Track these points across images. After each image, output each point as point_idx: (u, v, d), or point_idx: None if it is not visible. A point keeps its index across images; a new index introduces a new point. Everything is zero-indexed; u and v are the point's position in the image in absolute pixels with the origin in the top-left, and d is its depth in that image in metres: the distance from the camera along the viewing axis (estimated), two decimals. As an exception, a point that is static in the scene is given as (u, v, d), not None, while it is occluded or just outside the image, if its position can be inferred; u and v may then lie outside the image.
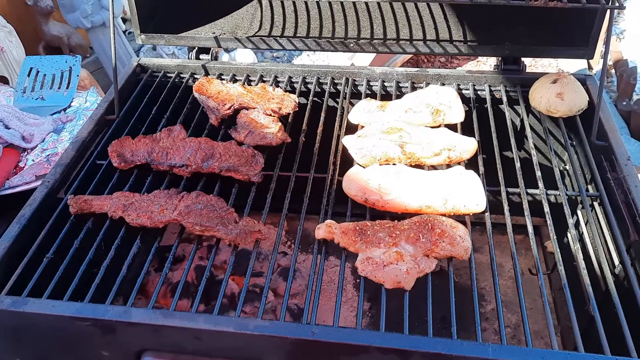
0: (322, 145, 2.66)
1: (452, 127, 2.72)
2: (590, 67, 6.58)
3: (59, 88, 3.40)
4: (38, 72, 3.41)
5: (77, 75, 3.52)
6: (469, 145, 2.51)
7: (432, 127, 2.67)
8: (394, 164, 2.49)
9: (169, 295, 3.11)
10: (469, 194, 2.26)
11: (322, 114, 2.83)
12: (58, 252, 2.21)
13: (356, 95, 3.09)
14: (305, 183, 2.46)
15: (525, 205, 2.31)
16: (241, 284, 3.18)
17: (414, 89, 3.04)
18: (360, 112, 2.75)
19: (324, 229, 2.19)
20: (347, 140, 2.57)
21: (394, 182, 2.32)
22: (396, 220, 2.22)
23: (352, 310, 3.17)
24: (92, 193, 2.46)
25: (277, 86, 3.09)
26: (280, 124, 2.66)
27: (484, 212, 2.28)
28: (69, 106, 3.38)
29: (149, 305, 1.97)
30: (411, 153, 2.48)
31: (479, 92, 3.01)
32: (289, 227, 3.75)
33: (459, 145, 2.50)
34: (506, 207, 2.30)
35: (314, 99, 2.98)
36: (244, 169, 2.47)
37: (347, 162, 2.55)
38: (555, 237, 2.18)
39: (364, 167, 2.45)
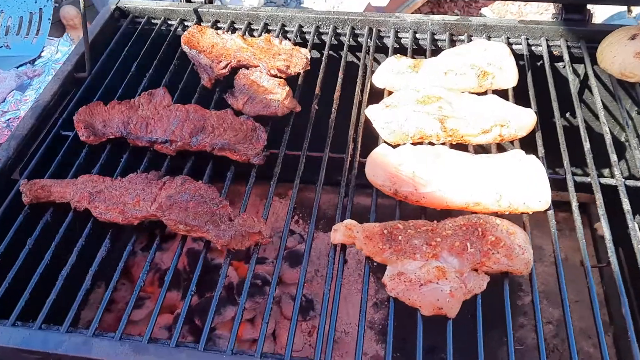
0: (339, 115, 2.15)
1: (501, 94, 2.19)
2: (629, 11, 5.87)
3: (27, 34, 2.86)
4: (2, 13, 2.85)
5: (49, 19, 2.97)
6: (526, 120, 1.98)
7: (477, 94, 2.14)
8: (430, 143, 1.98)
9: (157, 284, 2.67)
10: (529, 187, 1.76)
11: (340, 75, 2.29)
12: (5, 254, 1.75)
13: (381, 50, 2.54)
14: (317, 164, 1.96)
15: (599, 202, 1.81)
16: (241, 270, 2.74)
17: (452, 43, 2.48)
18: (388, 72, 2.21)
19: (342, 232, 1.71)
20: (372, 111, 2.05)
21: (433, 169, 1.82)
22: (435, 222, 1.73)
23: (374, 340, 2.68)
24: (54, 175, 1.98)
25: (285, 38, 2.54)
26: (287, 88, 2.13)
27: (546, 211, 1.78)
28: (39, 56, 2.85)
29: (117, 333, 1.53)
30: (453, 130, 1.96)
31: (533, 48, 2.44)
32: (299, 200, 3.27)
33: (513, 119, 1.97)
34: (575, 205, 1.80)
35: (330, 52, 2.43)
36: (242, 146, 1.97)
37: (372, 138, 2.04)
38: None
39: (392, 147, 1.94)
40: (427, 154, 1.87)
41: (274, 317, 2.64)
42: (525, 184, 1.76)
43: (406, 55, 2.38)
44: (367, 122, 2.07)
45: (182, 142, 1.99)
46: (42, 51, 2.88)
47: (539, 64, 2.42)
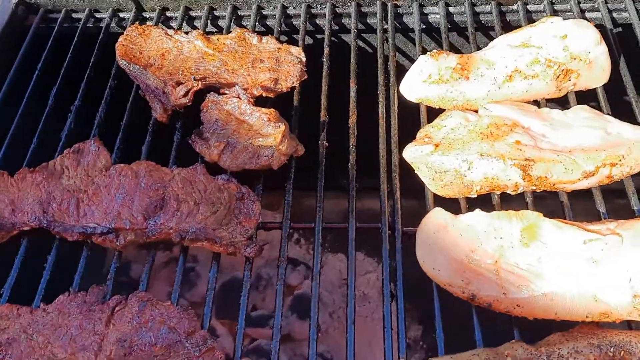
0: (360, 152, 1.46)
1: (584, 97, 1.53)
2: None
3: None
4: None
5: None
6: (646, 150, 1.33)
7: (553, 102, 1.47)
8: (500, 193, 1.33)
9: None
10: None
11: (352, 85, 1.59)
12: None
13: (403, 31, 1.82)
14: (343, 237, 1.32)
15: None
16: (233, 330, 2.12)
17: (502, 16, 1.76)
18: (421, 80, 1.51)
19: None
20: (414, 155, 1.37)
21: (531, 256, 1.17)
22: (542, 348, 1.10)
23: None
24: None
25: (266, 31, 1.79)
26: (282, 125, 1.42)
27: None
28: None
29: None
30: (541, 178, 1.30)
31: (615, 15, 1.74)
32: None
33: (631, 150, 1.31)
34: None
35: (332, 44, 1.70)
36: (226, 231, 1.30)
37: (412, 182, 1.38)
38: None
39: (449, 207, 1.29)
40: (513, 226, 1.22)
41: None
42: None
43: (440, 42, 1.67)
44: (403, 161, 1.40)
45: (133, 230, 1.31)
46: None
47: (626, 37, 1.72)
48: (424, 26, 1.79)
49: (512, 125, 1.36)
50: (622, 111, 1.50)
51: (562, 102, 1.58)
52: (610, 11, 1.73)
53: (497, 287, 1.17)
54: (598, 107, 1.52)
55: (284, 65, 1.60)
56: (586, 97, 1.57)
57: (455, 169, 1.31)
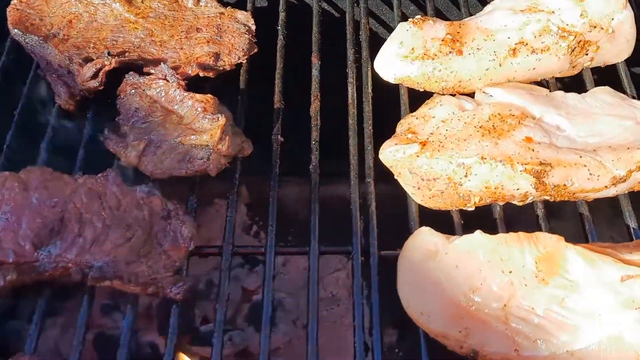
0: (324, 149, 1.14)
1: (604, 73, 1.23)
2: None
3: None
4: None
5: None
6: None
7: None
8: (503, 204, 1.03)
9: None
10: None
11: (315, 61, 1.25)
12: None
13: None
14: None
15: None
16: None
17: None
18: (401, 55, 1.18)
19: None
20: (392, 158, 1.05)
21: (549, 296, 0.88)
22: None
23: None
24: None
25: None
26: (221, 118, 1.07)
27: None
28: None
29: None
30: (558, 187, 1.00)
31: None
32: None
33: (668, 149, 1.02)
34: None
35: (290, 1, 1.36)
36: (144, 265, 0.97)
37: (391, 189, 1.07)
38: None
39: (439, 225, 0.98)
40: (526, 254, 0.92)
41: None
42: None
43: (423, 6, 1.34)
44: (379, 161, 1.09)
45: (18, 265, 0.97)
46: None
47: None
48: (404, -16, 1.45)
49: (520, 115, 1.05)
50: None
51: (574, 82, 1.27)
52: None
53: (506, 340, 0.88)
54: (620, 88, 1.22)
55: (228, 36, 1.26)
56: (602, 75, 1.27)
57: (449, 176, 1.00)
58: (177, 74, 1.16)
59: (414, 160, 1.02)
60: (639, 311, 0.86)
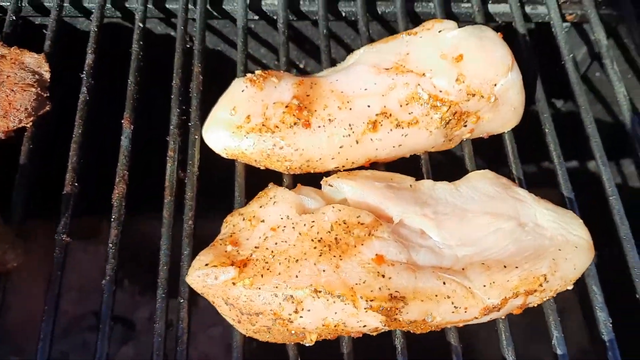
0: (130, 250, 0.86)
1: (480, 145, 1.03)
2: None
3: None
4: None
5: None
6: (579, 259, 0.84)
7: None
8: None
9: None
10: None
11: (126, 124, 0.96)
12: None
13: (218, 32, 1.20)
14: None
15: None
16: None
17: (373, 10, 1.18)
18: (235, 121, 0.91)
19: None
20: (202, 282, 0.78)
21: None
22: None
23: None
24: None
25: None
26: None
27: None
28: None
29: None
30: (417, 323, 0.77)
31: (529, 11, 1.23)
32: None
33: (558, 264, 0.82)
34: None
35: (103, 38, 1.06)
36: None
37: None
38: None
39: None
40: None
41: None
42: None
43: (275, 58, 1.08)
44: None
45: None
46: None
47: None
48: (256, 17, 1.16)
49: (371, 223, 0.80)
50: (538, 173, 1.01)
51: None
52: (521, 4, 1.19)
53: None
54: (505, 163, 1.01)
55: (5, 90, 0.94)
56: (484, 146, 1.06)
57: (274, 311, 0.75)
58: None
59: (229, 289, 0.76)
60: None
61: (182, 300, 0.83)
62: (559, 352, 0.84)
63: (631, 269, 0.92)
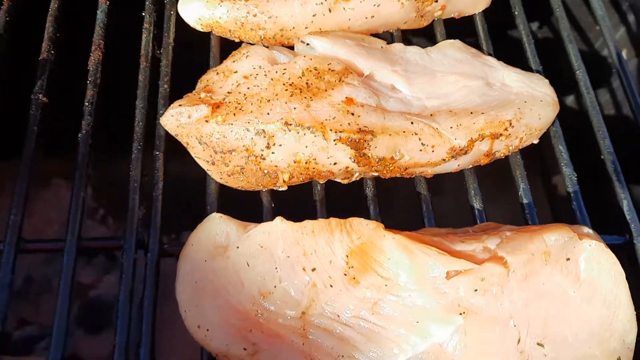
0: (113, 113, 0.88)
1: (457, 28, 1.06)
2: None
3: None
4: None
5: None
6: (543, 109, 0.86)
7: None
8: (324, 182, 0.82)
9: None
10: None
11: None
12: None
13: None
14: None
15: None
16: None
17: None
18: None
19: None
20: (176, 121, 0.81)
21: (365, 300, 0.68)
22: None
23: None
24: None
25: None
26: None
27: None
28: None
29: None
30: (384, 161, 0.79)
31: None
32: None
33: (523, 112, 0.84)
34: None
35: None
36: None
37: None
38: None
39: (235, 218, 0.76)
40: (336, 247, 0.71)
41: None
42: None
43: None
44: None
45: None
46: None
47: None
48: None
49: (342, 71, 0.83)
50: (508, 50, 1.04)
51: (425, 36, 1.08)
52: None
53: (302, 359, 0.67)
54: (475, 44, 1.04)
55: (-16, -34, 0.95)
56: (458, 28, 1.09)
57: (246, 147, 0.77)
58: None
59: (203, 127, 0.78)
60: (465, 317, 0.67)
61: (157, 152, 0.85)
62: (524, 201, 0.87)
63: (596, 132, 0.95)
